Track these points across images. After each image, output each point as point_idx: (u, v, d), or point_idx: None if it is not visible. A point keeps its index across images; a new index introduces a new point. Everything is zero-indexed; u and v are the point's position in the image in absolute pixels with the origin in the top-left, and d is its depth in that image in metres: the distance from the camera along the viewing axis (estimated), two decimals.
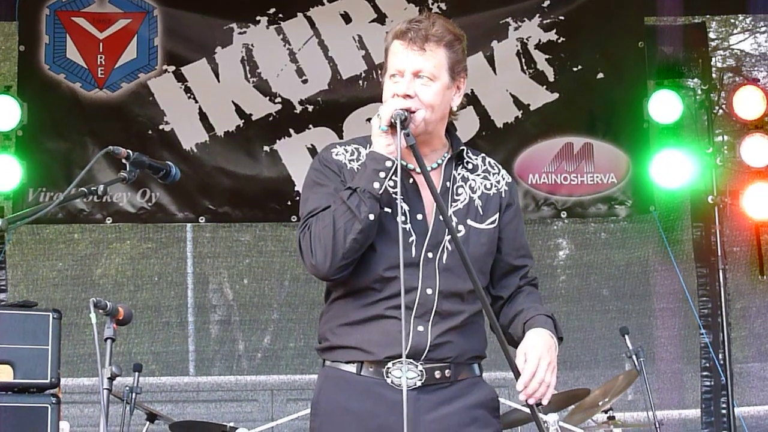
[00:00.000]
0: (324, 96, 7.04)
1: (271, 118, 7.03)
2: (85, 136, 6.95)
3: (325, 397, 3.25)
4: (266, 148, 7.01)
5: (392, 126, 3.11)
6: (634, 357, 5.76)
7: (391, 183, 3.15)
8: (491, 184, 3.36)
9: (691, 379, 7.65)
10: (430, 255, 3.18)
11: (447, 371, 3.18)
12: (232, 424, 5.69)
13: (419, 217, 3.21)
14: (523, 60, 7.12)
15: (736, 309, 7.64)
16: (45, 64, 6.96)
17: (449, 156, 3.31)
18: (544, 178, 7.07)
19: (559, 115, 7.11)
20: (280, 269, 7.95)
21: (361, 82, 6.95)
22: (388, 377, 3.15)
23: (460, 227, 3.23)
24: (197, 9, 7.08)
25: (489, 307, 3.12)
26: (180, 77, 7.02)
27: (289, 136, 7.02)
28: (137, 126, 6.99)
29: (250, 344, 8.30)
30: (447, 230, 3.17)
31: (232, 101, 7.03)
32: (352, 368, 3.19)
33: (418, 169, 3.19)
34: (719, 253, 6.84)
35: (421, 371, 3.14)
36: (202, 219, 7.04)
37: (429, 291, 3.16)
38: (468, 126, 6.96)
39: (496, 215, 3.32)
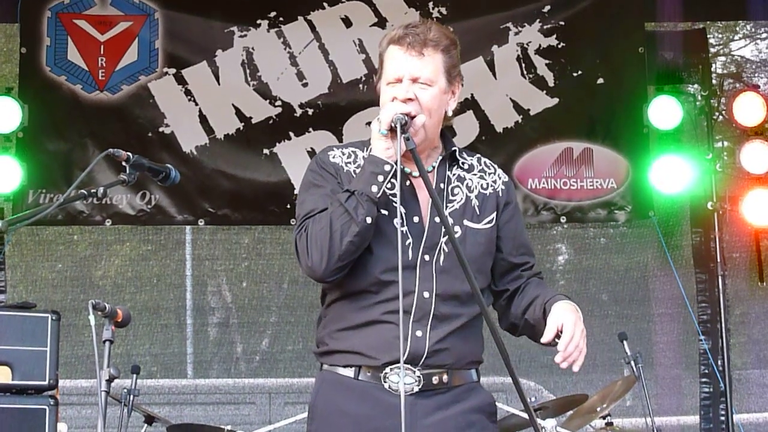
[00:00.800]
0: (324, 99, 7.04)
1: (271, 122, 7.03)
2: (85, 138, 6.96)
3: (323, 400, 3.26)
4: (266, 151, 7.01)
5: (392, 130, 3.12)
6: (632, 363, 5.76)
7: (389, 185, 3.16)
8: (488, 183, 3.37)
9: (690, 385, 7.64)
10: (426, 258, 3.19)
11: (444, 377, 3.19)
12: (229, 427, 5.68)
13: (416, 219, 3.22)
14: (523, 65, 7.12)
15: (736, 315, 7.64)
16: (46, 65, 6.96)
17: (441, 157, 3.31)
18: (543, 183, 7.07)
19: (558, 120, 7.11)
20: (278, 272, 7.94)
21: (361, 85, 6.95)
22: (385, 382, 3.15)
23: (457, 228, 3.24)
24: (198, 12, 7.08)
25: (485, 308, 3.12)
26: (180, 80, 7.02)
27: (289, 139, 7.02)
28: (137, 128, 6.99)
29: (249, 347, 8.30)
30: (443, 232, 3.18)
31: (233, 104, 7.03)
32: (349, 372, 3.20)
33: (414, 173, 3.20)
34: (718, 259, 6.84)
35: (419, 377, 3.15)
36: (201, 221, 7.04)
37: (426, 294, 3.16)
38: (468, 130, 6.97)
39: (494, 214, 3.32)
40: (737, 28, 11.56)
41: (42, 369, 4.78)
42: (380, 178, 3.13)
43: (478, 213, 3.30)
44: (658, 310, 7.97)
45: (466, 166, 3.37)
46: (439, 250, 3.20)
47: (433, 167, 3.29)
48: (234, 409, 8.40)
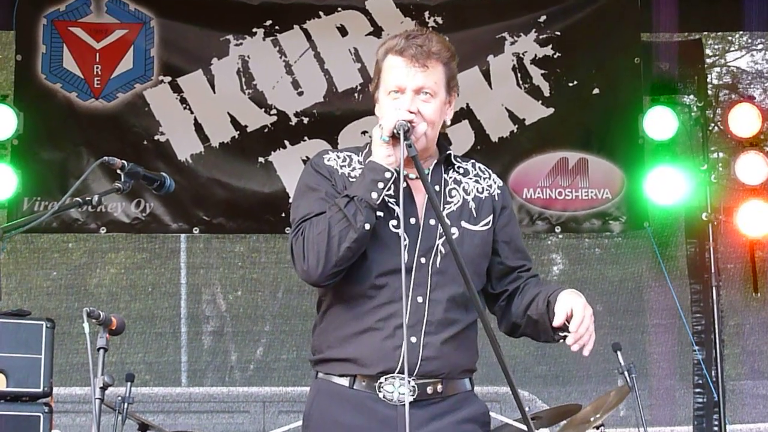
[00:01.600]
0: (319, 108, 7.05)
1: (266, 130, 7.03)
2: (80, 146, 6.95)
3: (318, 409, 3.25)
4: (261, 159, 7.01)
5: (393, 137, 3.12)
6: (625, 373, 5.76)
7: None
8: (483, 187, 3.38)
9: (684, 395, 7.64)
10: (423, 260, 3.18)
11: (439, 386, 3.18)
12: None
13: (412, 221, 3.22)
14: (519, 75, 7.13)
15: (730, 326, 7.65)
16: (41, 73, 6.96)
17: (436, 161, 3.32)
18: (538, 193, 7.08)
19: (554, 130, 7.12)
20: (273, 281, 7.94)
21: (356, 94, 6.96)
22: (380, 392, 3.15)
23: (454, 229, 3.24)
24: (194, 20, 7.08)
25: (479, 304, 3.09)
26: (176, 88, 7.02)
27: (284, 147, 7.02)
28: (132, 136, 6.99)
29: (243, 356, 8.29)
30: (439, 234, 3.18)
31: (228, 112, 7.03)
32: (344, 381, 3.20)
33: (411, 174, 3.21)
34: (713, 270, 6.85)
35: (413, 387, 3.14)
36: (196, 230, 7.03)
37: (420, 299, 3.16)
38: (463, 140, 6.97)
39: (490, 217, 3.33)
40: (733, 39, 11.59)
41: (36, 376, 4.78)
42: (380, 185, 3.13)
43: (475, 215, 3.31)
44: (653, 320, 7.98)
45: (461, 170, 3.38)
46: (436, 252, 3.20)
47: (428, 171, 3.29)
48: (228, 418, 8.38)
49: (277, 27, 7.10)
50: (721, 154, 9.10)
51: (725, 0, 7.36)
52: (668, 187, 6.87)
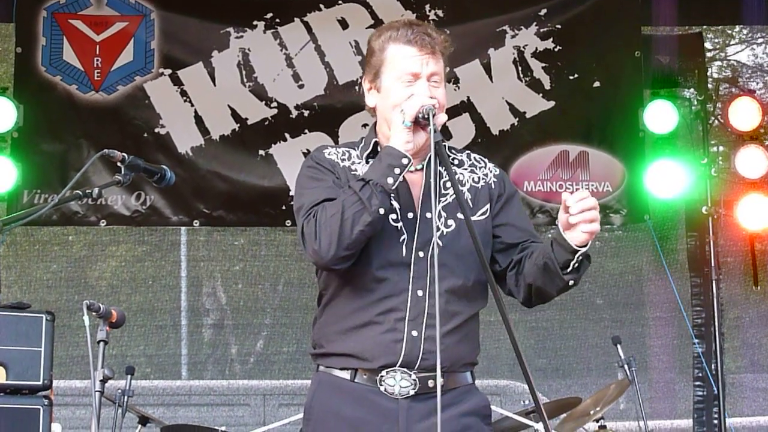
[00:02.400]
0: (320, 101, 7.04)
1: (266, 123, 7.03)
2: (80, 139, 6.94)
3: (319, 402, 3.25)
4: (261, 152, 7.01)
5: (415, 122, 3.12)
6: (625, 366, 5.76)
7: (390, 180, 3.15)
8: (479, 177, 3.37)
9: (684, 388, 7.65)
10: (421, 254, 3.18)
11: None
12: (223, 428, 5.68)
13: (410, 215, 3.22)
14: (520, 68, 7.13)
15: (730, 319, 7.65)
16: (41, 66, 6.95)
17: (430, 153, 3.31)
18: (539, 186, 7.07)
19: (555, 123, 7.11)
20: (273, 274, 7.95)
21: (357, 87, 6.95)
22: (381, 385, 3.15)
23: (450, 221, 3.23)
24: (194, 13, 7.07)
25: (497, 291, 3.05)
26: (176, 80, 7.02)
27: (285, 140, 7.01)
28: (133, 129, 6.98)
29: (243, 348, 8.30)
30: (435, 227, 3.17)
31: (228, 105, 7.03)
32: (345, 375, 3.19)
33: (411, 168, 3.20)
34: (713, 264, 6.84)
35: (415, 380, 3.14)
36: (196, 222, 7.03)
37: (420, 292, 3.16)
38: (464, 133, 6.97)
39: (487, 206, 3.32)
40: (733, 33, 11.59)
41: (36, 369, 4.77)
42: (397, 170, 3.11)
43: (471, 205, 3.30)
44: (653, 313, 7.98)
45: (456, 162, 3.37)
46: (433, 245, 3.20)
47: (423, 165, 3.27)
48: (228, 411, 8.39)
49: (277, 20, 7.09)
50: (721, 148, 9.10)
51: None
52: (668, 181, 6.87)
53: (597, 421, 5.72)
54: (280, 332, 7.99)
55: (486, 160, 3.46)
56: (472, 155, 3.45)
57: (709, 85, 7.98)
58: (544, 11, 7.16)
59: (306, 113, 7.03)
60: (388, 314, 3.14)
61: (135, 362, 6.74)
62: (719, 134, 8.87)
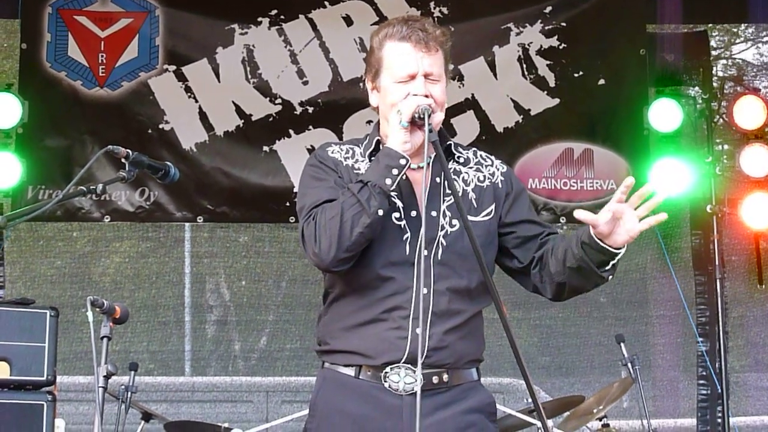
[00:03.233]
0: (324, 98, 7.04)
1: (271, 119, 7.03)
2: (84, 135, 6.95)
3: (323, 398, 3.25)
4: (266, 148, 7.01)
5: (412, 122, 3.11)
6: (629, 365, 5.76)
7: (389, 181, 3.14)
8: (484, 176, 3.35)
9: (688, 387, 7.65)
10: (425, 252, 3.18)
11: (444, 376, 3.18)
12: (226, 425, 5.68)
13: (413, 213, 3.21)
14: (524, 65, 7.12)
15: (734, 318, 7.64)
16: (46, 62, 6.96)
17: (434, 155, 3.30)
18: (543, 183, 7.07)
19: (559, 121, 7.11)
20: (277, 270, 7.95)
21: (361, 84, 6.92)
22: (385, 382, 3.15)
23: (454, 222, 3.22)
24: (199, 9, 7.08)
25: (496, 293, 3.05)
26: (180, 77, 7.02)
27: (289, 136, 7.01)
28: (137, 125, 6.99)
29: (247, 345, 8.31)
30: (440, 226, 3.18)
31: (232, 101, 7.03)
32: (350, 371, 3.19)
33: (413, 166, 3.19)
34: (717, 262, 6.84)
35: (419, 376, 3.14)
36: (200, 219, 7.03)
37: (425, 290, 3.15)
38: (468, 130, 6.97)
39: (492, 206, 3.30)
40: (739, 32, 11.58)
41: (40, 365, 4.78)
42: (395, 171, 3.11)
43: (475, 206, 3.29)
44: (657, 312, 7.98)
45: (461, 160, 3.36)
46: (437, 244, 3.19)
47: (427, 163, 3.26)
48: (231, 407, 8.40)
49: (282, 16, 7.09)
50: (725, 147, 9.09)
51: None
52: (673, 179, 6.86)
53: (600, 419, 5.71)
54: (283, 329, 7.99)
55: (493, 157, 3.44)
56: (479, 153, 3.43)
57: (714, 84, 7.96)
58: (548, 9, 7.16)
59: (310, 110, 7.03)
60: (393, 312, 3.14)
61: (138, 358, 6.74)
62: (724, 133, 8.86)
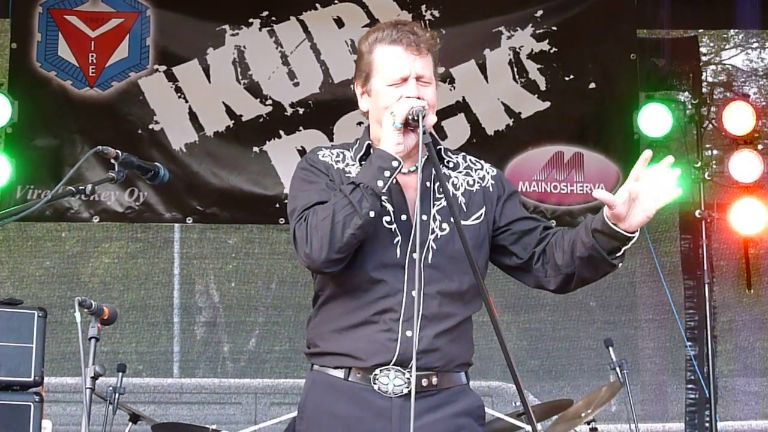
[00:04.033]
0: (315, 99, 7.03)
1: (261, 120, 7.02)
2: (74, 135, 6.93)
3: (313, 401, 3.25)
4: (256, 149, 6.99)
5: (405, 124, 3.12)
6: (617, 369, 5.76)
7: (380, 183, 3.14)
8: (474, 180, 3.35)
9: (676, 391, 7.67)
10: (414, 256, 3.17)
11: (434, 379, 3.18)
12: (214, 427, 5.67)
13: (403, 217, 3.21)
14: (515, 69, 7.12)
15: (722, 322, 7.67)
16: (36, 61, 6.93)
17: (427, 156, 3.30)
18: (534, 186, 7.07)
19: (550, 124, 7.11)
20: (267, 272, 7.95)
21: (352, 86, 6.91)
22: (375, 384, 3.15)
23: (444, 225, 3.23)
24: (190, 10, 7.06)
25: (488, 296, 3.03)
26: (171, 77, 7.00)
27: (279, 137, 7.01)
28: (127, 125, 6.97)
29: (235, 347, 8.30)
30: (430, 230, 3.19)
31: (223, 102, 7.02)
32: (339, 373, 3.19)
33: (403, 170, 3.20)
34: (705, 267, 6.85)
35: (409, 379, 3.14)
36: (189, 219, 7.01)
37: (414, 293, 3.15)
38: (459, 133, 6.97)
39: (482, 210, 3.31)
40: (728, 37, 11.60)
41: (27, 365, 4.77)
42: (387, 173, 3.11)
43: (465, 210, 3.29)
44: (646, 316, 7.99)
45: (451, 165, 3.37)
46: (428, 247, 3.19)
47: (420, 165, 3.26)
48: (219, 409, 8.39)
49: (273, 18, 7.08)
50: (715, 152, 9.10)
51: None
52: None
53: (588, 423, 5.71)
54: (272, 331, 7.99)
55: (482, 161, 3.45)
56: (468, 157, 3.44)
57: (704, 89, 7.98)
58: (540, 13, 7.16)
59: (301, 111, 7.03)
60: (383, 314, 3.14)
61: (127, 359, 6.73)
62: (713, 138, 8.88)
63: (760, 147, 7.21)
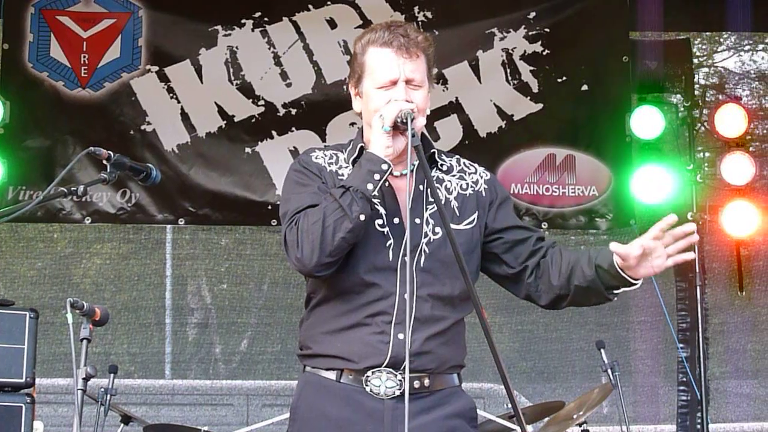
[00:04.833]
0: (307, 99, 7.03)
1: (253, 120, 7.01)
2: (66, 135, 6.91)
3: (305, 402, 3.25)
4: (248, 149, 6.98)
5: (395, 127, 3.11)
6: (609, 371, 5.77)
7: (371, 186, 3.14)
8: (467, 184, 3.35)
9: (668, 393, 7.67)
10: (407, 259, 3.17)
11: (426, 380, 3.18)
12: (206, 428, 5.66)
13: (396, 220, 3.21)
14: (508, 70, 7.13)
15: (714, 324, 7.67)
16: (28, 62, 6.92)
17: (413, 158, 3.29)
18: (526, 188, 7.07)
19: (542, 126, 7.11)
20: (259, 273, 7.94)
21: (345, 87, 6.90)
22: (367, 385, 3.14)
23: (437, 229, 3.22)
24: (182, 10, 7.05)
25: (477, 298, 3.03)
26: (163, 77, 6.99)
27: (272, 138, 7.00)
28: (119, 126, 6.96)
29: (227, 348, 8.29)
30: (423, 233, 3.18)
31: (215, 102, 7.01)
32: (331, 375, 3.19)
33: (395, 173, 3.20)
34: (697, 269, 6.86)
35: (400, 381, 3.14)
36: (181, 221, 7.00)
37: (407, 296, 3.15)
38: (451, 134, 6.97)
39: (475, 215, 3.31)
40: (721, 40, 11.61)
41: (19, 367, 4.76)
42: (377, 176, 3.11)
43: (458, 214, 3.29)
44: (638, 318, 8.00)
45: (444, 168, 3.37)
46: (420, 251, 3.19)
47: (413, 168, 3.25)
48: (211, 410, 8.38)
49: (266, 18, 7.08)
50: (707, 154, 9.12)
51: (712, 0, 7.37)
52: (654, 186, 6.88)
53: (580, 425, 5.71)
54: (264, 332, 7.98)
55: (476, 165, 3.44)
56: (462, 160, 3.43)
57: (696, 91, 8.00)
58: (532, 14, 7.17)
59: (293, 111, 7.02)
60: (376, 317, 3.14)
61: (118, 361, 6.73)
62: (705, 140, 8.89)
63: (752, 149, 7.22)
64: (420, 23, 6.93)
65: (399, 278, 3.15)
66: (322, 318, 3.23)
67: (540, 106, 7.10)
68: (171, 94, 6.98)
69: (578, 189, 7.07)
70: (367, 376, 3.14)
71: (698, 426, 7.04)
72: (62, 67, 6.94)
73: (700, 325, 6.84)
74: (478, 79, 7.10)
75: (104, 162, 3.49)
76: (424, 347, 3.15)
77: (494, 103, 7.10)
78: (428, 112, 3.31)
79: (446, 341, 3.21)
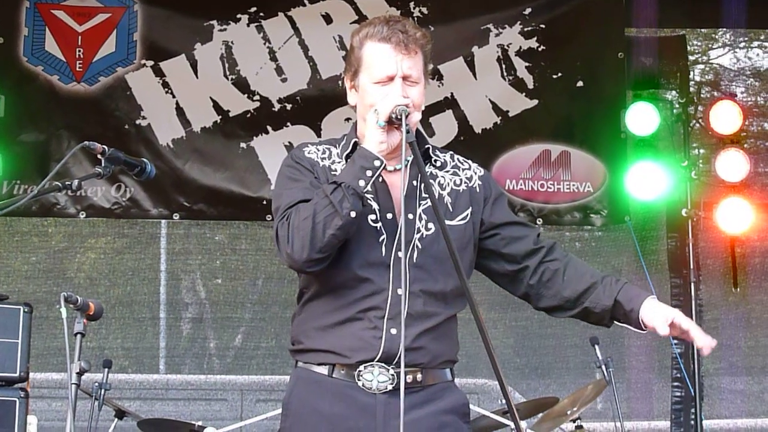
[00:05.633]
0: (303, 94, 7.03)
1: (248, 115, 7.01)
2: (61, 130, 6.91)
3: (297, 397, 3.25)
4: (243, 144, 6.99)
5: (390, 123, 3.10)
6: (603, 367, 5.77)
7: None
8: (461, 179, 3.35)
9: (662, 389, 7.67)
10: (400, 254, 3.17)
11: (418, 375, 3.18)
12: (200, 423, 5.66)
13: (389, 216, 3.21)
14: (504, 66, 7.13)
15: (708, 321, 7.67)
16: (23, 56, 6.92)
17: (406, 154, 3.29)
18: (521, 185, 7.08)
19: (537, 122, 7.12)
20: (253, 268, 7.93)
21: (340, 82, 6.93)
22: (359, 380, 3.15)
23: (430, 225, 3.23)
24: (178, 5, 7.05)
25: (473, 298, 3.03)
26: (158, 72, 6.99)
27: (267, 133, 7.00)
28: (114, 120, 6.96)
29: (222, 343, 8.27)
30: (416, 229, 3.19)
31: (210, 97, 7.00)
32: (323, 370, 3.19)
33: (389, 168, 3.20)
34: (692, 266, 6.87)
35: (393, 375, 3.14)
36: (176, 215, 7.00)
37: (400, 291, 3.15)
38: (446, 130, 6.97)
39: (468, 210, 3.31)
40: (716, 37, 11.62)
41: (13, 361, 4.75)
42: (369, 173, 3.11)
43: (451, 210, 3.29)
44: None
45: (438, 164, 3.37)
46: (413, 247, 3.19)
47: (407, 163, 3.25)
48: (205, 405, 8.37)
49: (261, 14, 7.07)
50: (701, 151, 9.12)
51: None
52: (649, 183, 6.89)
53: (574, 421, 5.72)
54: (259, 327, 7.97)
55: (470, 161, 3.44)
56: (456, 156, 3.43)
57: (691, 88, 8.00)
58: (528, 11, 7.17)
59: (289, 106, 7.02)
60: (368, 312, 3.15)
61: (112, 355, 6.71)
62: (700, 137, 8.89)
63: (746, 146, 7.22)
64: (415, 18, 6.93)
65: (392, 274, 3.15)
66: (315, 313, 3.23)
67: (535, 102, 7.11)
68: (166, 89, 6.98)
69: (573, 185, 7.08)
70: (360, 371, 3.14)
71: (692, 422, 7.05)
72: (57, 61, 6.93)
73: (695, 321, 6.84)
74: (474, 75, 7.10)
75: (99, 156, 3.48)
76: (416, 342, 3.15)
77: (489, 99, 7.10)
78: (423, 108, 3.31)
79: (438, 336, 3.21)
